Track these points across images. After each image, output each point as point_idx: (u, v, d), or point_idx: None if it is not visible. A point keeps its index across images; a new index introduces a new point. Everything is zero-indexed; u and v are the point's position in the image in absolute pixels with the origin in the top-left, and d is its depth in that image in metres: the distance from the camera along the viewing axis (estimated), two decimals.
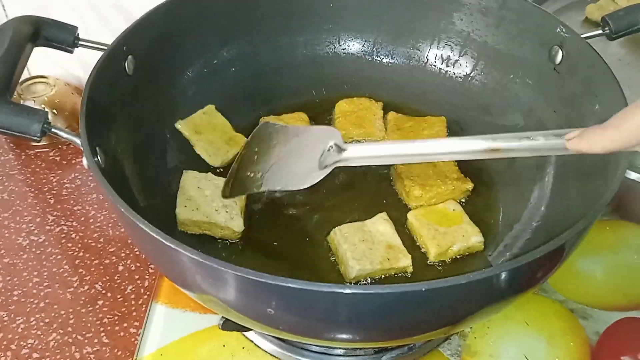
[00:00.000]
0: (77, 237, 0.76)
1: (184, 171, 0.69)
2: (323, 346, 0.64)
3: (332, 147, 0.59)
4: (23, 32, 0.59)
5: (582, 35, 0.67)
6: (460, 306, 0.48)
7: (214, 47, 0.79)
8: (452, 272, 0.63)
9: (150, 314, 0.68)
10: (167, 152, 0.73)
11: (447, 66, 0.83)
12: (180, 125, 0.74)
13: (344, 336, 0.50)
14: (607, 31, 0.67)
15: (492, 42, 0.78)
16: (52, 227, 0.77)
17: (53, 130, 0.53)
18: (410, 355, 0.64)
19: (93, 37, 0.65)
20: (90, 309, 0.69)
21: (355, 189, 0.72)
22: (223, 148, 0.74)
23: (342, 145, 0.59)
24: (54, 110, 0.85)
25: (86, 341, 0.66)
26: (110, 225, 0.78)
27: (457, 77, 0.82)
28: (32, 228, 0.77)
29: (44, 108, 0.83)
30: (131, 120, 0.67)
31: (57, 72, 0.92)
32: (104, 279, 0.72)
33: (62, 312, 0.68)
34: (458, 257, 0.65)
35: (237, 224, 0.64)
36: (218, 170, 0.73)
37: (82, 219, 0.78)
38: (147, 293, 0.70)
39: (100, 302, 0.69)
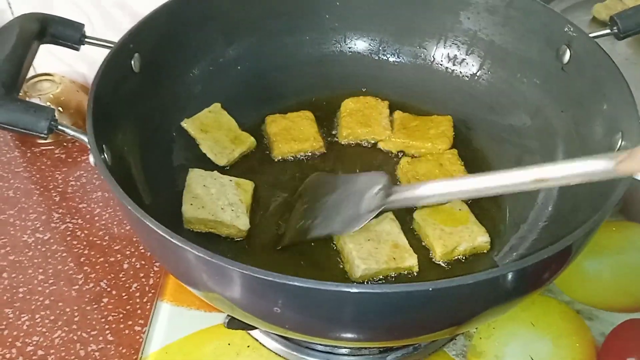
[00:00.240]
0: (83, 235, 0.76)
1: (189, 169, 0.69)
2: (328, 345, 0.64)
3: (379, 191, 0.60)
4: (30, 30, 0.59)
5: (590, 35, 0.66)
6: (466, 306, 0.47)
7: (220, 46, 0.79)
8: (458, 272, 0.63)
9: (155, 312, 0.68)
10: (172, 150, 0.73)
11: (454, 65, 0.82)
12: (186, 123, 0.74)
13: (350, 335, 0.49)
14: (615, 30, 0.67)
15: (499, 41, 0.77)
16: (58, 225, 0.78)
17: (60, 127, 0.53)
18: (416, 355, 0.64)
19: (98, 35, 0.65)
20: (95, 306, 0.69)
21: None
22: (229, 147, 0.74)
23: (389, 189, 0.60)
24: (60, 108, 0.85)
25: (91, 339, 0.66)
26: (115, 223, 0.78)
27: (463, 76, 0.82)
28: (38, 225, 0.77)
29: (49, 105, 0.83)
30: (137, 118, 0.67)
31: (62, 70, 0.92)
32: (109, 277, 0.72)
33: (67, 309, 0.68)
34: (464, 257, 0.65)
35: (242, 222, 0.64)
36: (225, 169, 0.72)
37: (88, 216, 0.79)
38: (152, 291, 0.70)
39: (105, 300, 0.69)
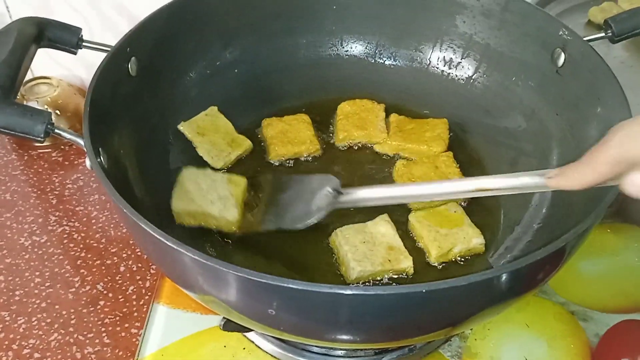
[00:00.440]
0: (79, 238, 0.77)
1: (182, 168, 0.69)
2: (324, 347, 0.64)
3: (329, 192, 0.62)
4: (27, 34, 0.60)
5: (585, 38, 0.67)
6: (461, 307, 0.48)
7: (216, 49, 0.79)
8: (452, 273, 0.63)
9: (151, 315, 0.68)
10: (169, 153, 0.73)
11: (450, 68, 0.83)
12: (182, 126, 0.75)
13: (345, 337, 0.50)
14: (610, 34, 0.67)
15: (495, 45, 0.78)
16: (54, 228, 0.78)
17: (56, 131, 0.54)
18: (411, 357, 0.64)
19: (96, 39, 0.66)
20: (92, 309, 0.69)
21: None
22: (225, 150, 0.74)
23: (339, 190, 0.63)
24: (57, 111, 0.86)
25: (87, 341, 0.66)
26: (112, 225, 0.78)
27: (459, 79, 0.82)
28: (34, 228, 0.77)
29: (47, 109, 0.83)
30: (134, 121, 0.67)
31: (59, 73, 0.92)
32: (106, 280, 0.72)
33: (64, 312, 0.69)
34: (459, 258, 0.65)
35: (231, 214, 0.64)
36: (222, 172, 0.73)
37: (84, 219, 0.79)
38: (149, 294, 0.70)
39: (101, 303, 0.70)
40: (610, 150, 0.43)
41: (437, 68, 0.83)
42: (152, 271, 0.73)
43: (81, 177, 0.84)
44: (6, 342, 0.66)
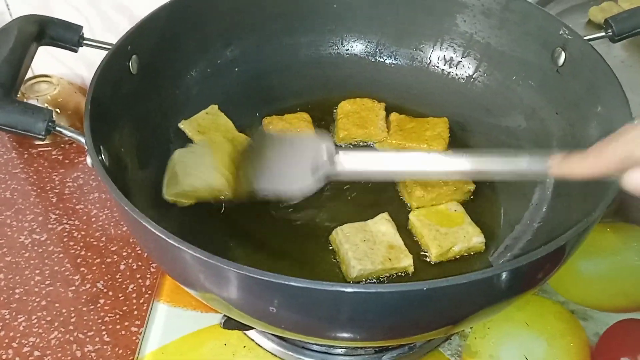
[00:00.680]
0: (79, 236, 0.77)
1: (174, 152, 0.69)
2: (324, 345, 0.64)
3: (324, 157, 0.60)
4: (28, 32, 0.60)
5: (585, 37, 0.67)
6: (461, 306, 0.48)
7: (217, 48, 0.80)
8: (452, 272, 0.63)
9: (151, 313, 0.68)
10: (170, 151, 0.73)
11: (450, 67, 0.83)
12: (183, 125, 0.75)
13: (345, 335, 0.50)
14: (610, 33, 0.67)
15: (495, 44, 0.78)
16: (55, 226, 0.78)
17: (57, 128, 0.54)
18: (411, 355, 0.64)
19: (96, 37, 0.66)
20: (92, 307, 0.69)
21: (358, 190, 0.72)
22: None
23: (334, 158, 0.60)
24: (57, 109, 0.86)
25: (87, 339, 0.66)
26: (112, 224, 0.78)
27: (459, 78, 0.82)
28: (35, 226, 0.77)
29: (47, 107, 0.83)
30: (135, 119, 0.67)
31: (60, 71, 0.92)
32: (106, 278, 0.72)
33: (64, 310, 0.69)
34: (459, 257, 0.65)
35: (219, 182, 0.64)
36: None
37: (84, 217, 0.79)
38: (149, 292, 0.70)
39: (101, 301, 0.70)
40: (621, 146, 0.44)
41: (438, 67, 0.84)
42: (152, 269, 0.73)
43: (81, 176, 0.84)
44: (6, 341, 0.66)
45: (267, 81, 0.82)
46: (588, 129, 0.64)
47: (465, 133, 0.78)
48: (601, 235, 0.76)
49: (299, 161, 0.61)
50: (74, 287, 0.71)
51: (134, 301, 0.69)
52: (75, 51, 0.65)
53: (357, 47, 0.86)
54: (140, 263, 0.73)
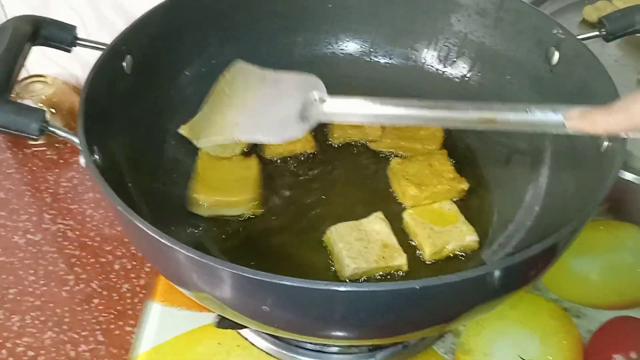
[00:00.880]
0: (74, 236, 0.76)
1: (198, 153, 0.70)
2: (318, 344, 0.64)
3: (315, 100, 0.55)
4: (22, 32, 0.59)
5: (578, 37, 0.67)
6: (454, 304, 0.48)
7: (212, 47, 0.79)
8: (446, 270, 0.63)
9: (145, 313, 0.68)
10: (164, 151, 0.73)
11: (445, 67, 0.83)
12: (183, 130, 0.74)
13: (339, 334, 0.50)
14: (604, 32, 0.67)
15: (490, 43, 0.78)
16: (49, 226, 0.78)
17: (51, 129, 0.54)
18: (405, 353, 0.65)
19: (91, 37, 0.66)
20: (86, 307, 0.69)
21: (351, 188, 0.72)
22: (230, 146, 0.73)
23: (325, 97, 0.55)
24: (52, 109, 0.85)
25: (82, 339, 0.66)
26: (106, 224, 0.78)
27: (454, 77, 0.83)
28: (29, 227, 0.77)
29: (41, 107, 0.83)
30: (129, 119, 0.67)
31: (55, 71, 0.92)
32: (100, 278, 0.72)
33: (58, 310, 0.69)
34: (453, 256, 0.65)
35: (249, 197, 0.67)
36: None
37: (79, 217, 0.79)
38: (143, 291, 0.70)
39: (96, 301, 0.70)
40: None
41: (432, 66, 0.84)
42: (146, 269, 0.73)
43: (76, 176, 0.84)
44: (0, 341, 0.66)
45: None
46: None
47: (459, 132, 0.78)
48: (594, 233, 0.76)
49: (285, 101, 0.56)
50: (68, 287, 0.71)
51: (128, 301, 0.69)
52: (69, 51, 0.65)
53: (352, 46, 0.86)
54: (134, 263, 0.73)
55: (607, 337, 0.66)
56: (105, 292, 0.70)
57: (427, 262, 0.65)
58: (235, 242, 0.66)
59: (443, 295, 0.45)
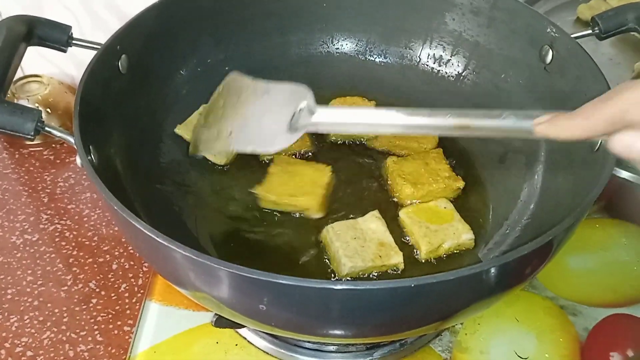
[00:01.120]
0: (71, 236, 0.77)
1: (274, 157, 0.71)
2: (315, 343, 0.64)
3: (303, 109, 0.57)
4: (17, 32, 0.60)
5: (572, 35, 0.67)
6: (450, 302, 0.48)
7: (207, 47, 0.80)
8: (442, 268, 0.64)
9: (143, 312, 0.68)
10: (160, 150, 0.73)
11: (439, 66, 0.83)
12: (179, 129, 0.74)
13: (336, 332, 0.50)
14: (597, 31, 0.68)
15: (484, 42, 0.78)
16: (46, 226, 0.78)
17: (47, 129, 0.54)
18: (402, 352, 0.65)
19: (86, 37, 0.66)
20: (84, 307, 0.69)
21: (348, 187, 0.72)
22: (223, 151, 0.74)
23: (313, 107, 0.57)
24: (48, 109, 0.85)
25: (80, 339, 0.66)
26: (104, 224, 0.78)
27: (449, 76, 0.83)
28: (26, 227, 0.77)
29: (37, 107, 0.83)
30: (125, 119, 0.67)
31: (50, 71, 0.92)
32: (98, 278, 0.72)
33: (56, 310, 0.69)
34: (449, 254, 0.65)
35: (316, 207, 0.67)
36: (225, 168, 0.73)
37: (76, 217, 0.79)
38: (141, 291, 0.70)
39: (94, 301, 0.70)
40: (610, 108, 0.42)
41: (427, 65, 0.84)
42: (144, 269, 0.73)
43: (72, 176, 0.84)
44: None
45: None
46: None
47: None
48: (590, 231, 0.77)
49: (276, 111, 0.58)
50: (66, 287, 0.71)
51: (126, 300, 0.70)
52: (64, 51, 0.65)
53: (347, 45, 0.86)
54: (132, 262, 0.73)
55: (603, 334, 0.67)
56: (103, 292, 0.70)
57: (423, 261, 0.65)
58: (232, 240, 0.67)
59: (439, 293, 0.46)
